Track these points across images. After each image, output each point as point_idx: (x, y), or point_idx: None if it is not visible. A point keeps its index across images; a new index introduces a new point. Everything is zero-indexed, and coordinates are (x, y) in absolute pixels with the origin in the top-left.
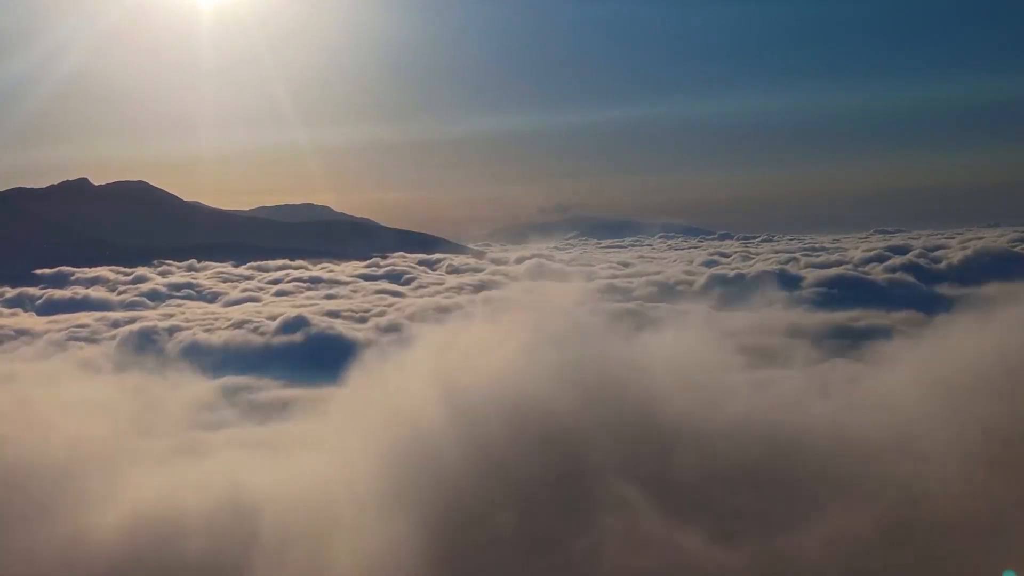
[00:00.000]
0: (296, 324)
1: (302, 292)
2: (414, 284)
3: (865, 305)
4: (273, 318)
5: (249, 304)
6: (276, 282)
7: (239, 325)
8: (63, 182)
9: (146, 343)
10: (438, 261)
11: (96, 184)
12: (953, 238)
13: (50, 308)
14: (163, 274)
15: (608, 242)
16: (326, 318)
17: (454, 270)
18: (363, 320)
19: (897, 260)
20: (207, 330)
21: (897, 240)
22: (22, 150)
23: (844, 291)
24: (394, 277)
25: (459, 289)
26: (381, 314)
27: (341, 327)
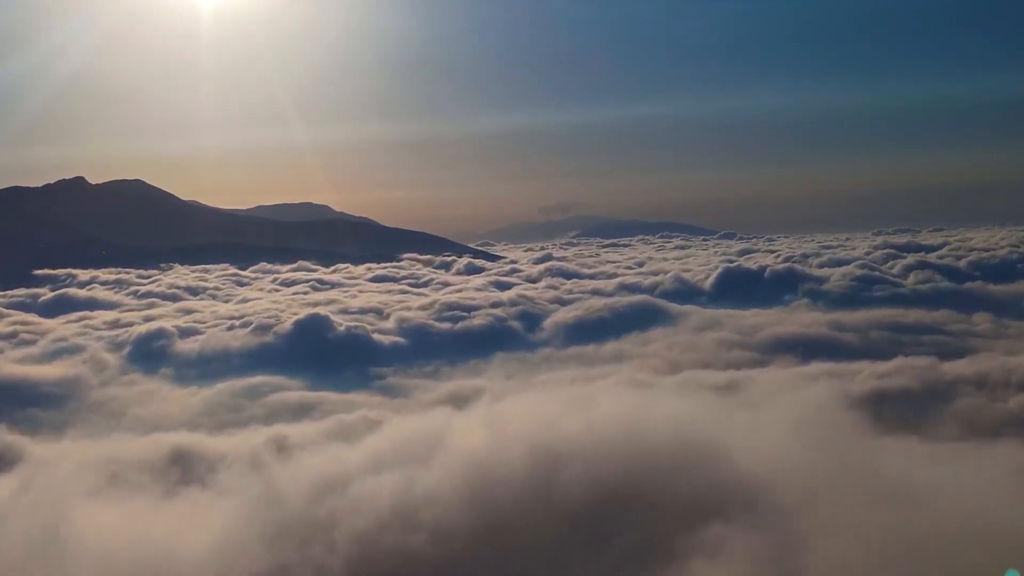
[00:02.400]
0: (319, 324)
1: (320, 292)
2: (435, 284)
3: (896, 304)
4: (292, 318)
5: (268, 304)
6: (291, 283)
7: (259, 325)
8: (59, 181)
9: (164, 344)
10: (452, 262)
11: (93, 183)
12: (952, 237)
13: (58, 309)
14: (174, 276)
15: (610, 242)
16: (351, 318)
17: (474, 270)
18: (386, 317)
19: (919, 258)
20: (227, 330)
21: (907, 239)
22: (18, 149)
23: (876, 289)
24: (413, 278)
25: (483, 288)
26: (407, 309)
27: (366, 327)
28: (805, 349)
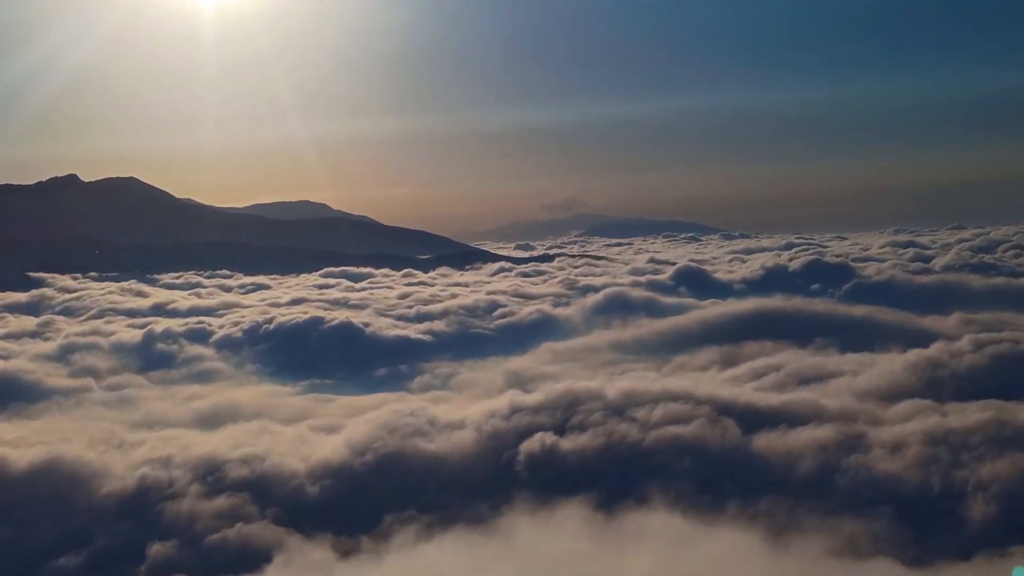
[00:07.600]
0: (362, 326)
1: (355, 293)
2: (468, 283)
3: (974, 301)
4: (333, 320)
5: (316, 305)
6: (323, 288)
7: (301, 327)
8: (52, 179)
9: (198, 346)
10: (482, 265)
11: (86, 181)
12: (981, 235)
13: (68, 310)
14: (192, 277)
15: (615, 240)
16: (392, 318)
17: (504, 270)
18: (428, 316)
19: (971, 254)
20: (265, 331)
21: (925, 238)
22: (10, 147)
23: (943, 287)
24: (445, 278)
25: (519, 285)
26: (448, 307)
27: (410, 326)
28: (897, 337)
